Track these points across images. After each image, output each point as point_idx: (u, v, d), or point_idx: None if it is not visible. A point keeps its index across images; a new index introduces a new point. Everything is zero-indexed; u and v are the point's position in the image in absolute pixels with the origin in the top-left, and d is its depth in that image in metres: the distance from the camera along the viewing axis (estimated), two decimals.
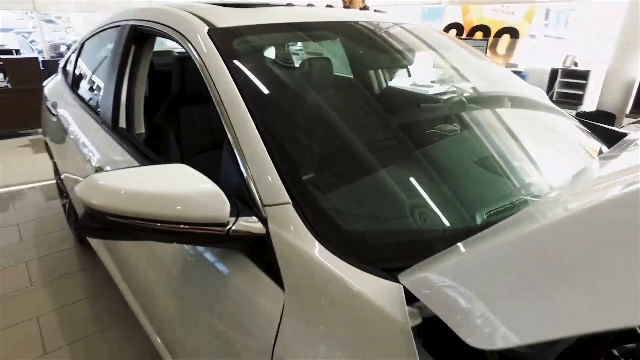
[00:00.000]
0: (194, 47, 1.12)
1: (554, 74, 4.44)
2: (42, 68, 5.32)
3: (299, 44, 1.42)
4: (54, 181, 3.19)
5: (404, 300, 0.59)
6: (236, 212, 0.78)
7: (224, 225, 0.75)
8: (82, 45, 2.27)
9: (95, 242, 1.99)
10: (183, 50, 1.18)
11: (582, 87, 4.30)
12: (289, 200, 0.77)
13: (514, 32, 7.02)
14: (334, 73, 1.33)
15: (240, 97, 0.95)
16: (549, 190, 0.98)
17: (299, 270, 0.71)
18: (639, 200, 0.42)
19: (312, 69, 1.31)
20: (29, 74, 4.93)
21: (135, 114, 1.57)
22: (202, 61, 1.07)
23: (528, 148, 1.16)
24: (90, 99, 1.94)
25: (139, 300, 1.44)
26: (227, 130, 0.92)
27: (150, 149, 1.36)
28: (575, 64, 4.48)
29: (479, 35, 7.72)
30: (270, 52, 1.25)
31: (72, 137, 1.92)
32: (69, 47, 3.67)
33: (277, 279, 0.74)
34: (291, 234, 0.74)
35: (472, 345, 0.49)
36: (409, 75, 1.60)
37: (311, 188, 0.84)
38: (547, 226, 0.51)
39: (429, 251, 0.65)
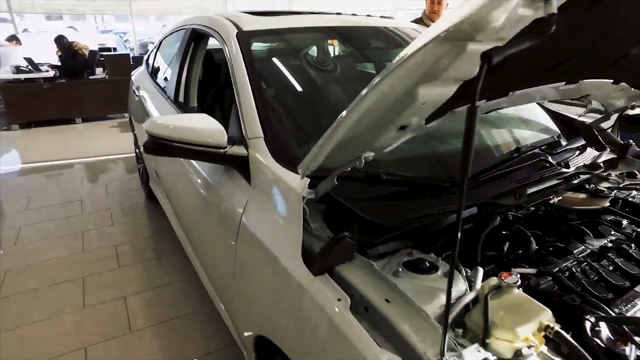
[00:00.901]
0: (226, 44, 1.66)
1: None
2: (131, 63, 6.34)
3: (295, 41, 1.91)
4: (134, 154, 3.99)
5: (306, 184, 1.04)
6: (232, 142, 1.29)
7: (223, 148, 1.27)
8: (160, 42, 2.96)
9: (159, 195, 2.65)
10: None
11: None
12: (261, 135, 1.27)
13: None
14: (313, 63, 1.80)
15: (247, 76, 1.47)
16: None
17: (260, 173, 1.21)
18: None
19: (296, 60, 1.81)
20: (121, 67, 5.93)
21: (190, 92, 2.16)
22: (229, 54, 1.60)
23: None
24: (162, 82, 2.60)
25: (182, 224, 2.03)
26: (235, 97, 1.44)
27: None
28: None
29: None
30: (272, 47, 1.77)
31: (147, 110, 2.59)
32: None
33: (249, 179, 1.24)
34: (260, 154, 1.23)
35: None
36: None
37: (274, 131, 1.32)
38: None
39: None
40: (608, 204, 1.35)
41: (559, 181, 1.37)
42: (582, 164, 1.48)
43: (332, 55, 2.03)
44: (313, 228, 1.04)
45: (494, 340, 0.78)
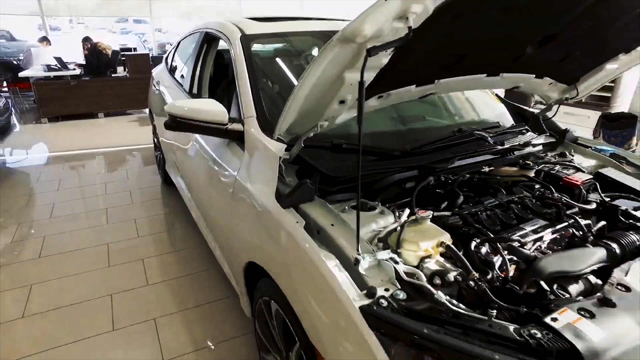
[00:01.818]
0: (232, 45, 2.03)
1: None
2: (150, 62, 6.80)
3: (287, 43, 2.27)
4: (152, 145, 4.41)
5: (282, 148, 1.39)
6: (232, 121, 1.66)
7: (225, 125, 1.63)
8: (179, 43, 3.36)
9: (178, 184, 3.04)
10: None
11: (610, 89, 4.57)
12: (254, 115, 1.64)
13: None
14: (301, 62, 2.16)
15: (246, 71, 1.83)
16: None
17: (252, 142, 1.57)
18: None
19: (286, 58, 2.17)
20: (141, 66, 6.39)
21: (202, 85, 2.54)
22: (234, 53, 1.97)
23: None
24: (179, 77, 3.00)
25: (192, 193, 2.41)
26: (236, 87, 1.81)
27: None
28: None
29: None
30: (268, 48, 2.14)
31: (166, 101, 2.98)
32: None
33: (243, 148, 1.61)
34: (252, 128, 1.60)
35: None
36: None
37: (263, 112, 1.68)
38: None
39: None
40: (533, 174, 1.68)
41: (494, 156, 1.70)
42: (517, 143, 1.80)
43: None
44: (287, 180, 1.40)
45: (404, 251, 1.13)
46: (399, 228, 1.21)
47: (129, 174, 4.14)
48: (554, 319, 0.92)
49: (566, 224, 1.33)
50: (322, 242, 1.18)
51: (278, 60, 2.14)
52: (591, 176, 1.64)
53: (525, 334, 0.88)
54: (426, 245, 1.13)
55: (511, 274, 1.13)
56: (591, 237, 1.28)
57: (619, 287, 1.05)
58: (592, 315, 0.93)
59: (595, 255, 1.18)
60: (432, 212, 1.25)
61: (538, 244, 1.27)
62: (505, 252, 1.15)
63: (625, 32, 1.48)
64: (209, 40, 2.55)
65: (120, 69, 6.79)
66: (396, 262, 1.07)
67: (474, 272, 1.07)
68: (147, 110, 5.42)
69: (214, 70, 2.69)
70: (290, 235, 1.19)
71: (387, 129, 1.80)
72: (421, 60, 1.16)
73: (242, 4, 9.28)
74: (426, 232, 1.18)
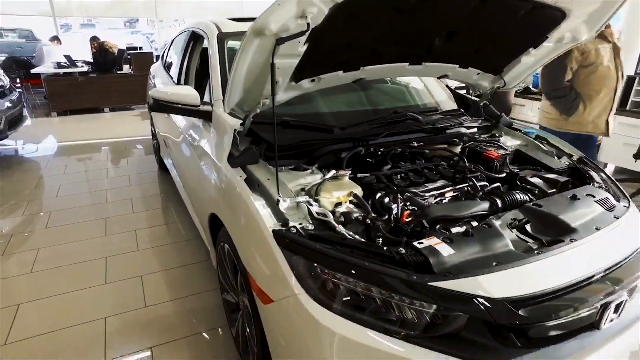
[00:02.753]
0: (209, 41, 2.36)
1: (630, 81, 4.04)
2: (154, 60, 7.18)
3: None
4: (150, 137, 4.77)
5: (238, 122, 1.71)
6: (204, 104, 1.99)
7: (197, 106, 1.96)
8: (172, 41, 3.71)
9: (169, 167, 3.38)
10: None
11: None
12: (221, 98, 1.96)
13: None
14: None
15: (218, 63, 2.16)
16: None
17: (217, 119, 1.90)
18: None
19: None
20: (145, 64, 6.75)
21: (189, 77, 2.88)
22: (210, 48, 2.30)
23: None
24: (170, 71, 3.34)
25: (178, 172, 2.75)
26: (210, 75, 2.14)
27: None
28: None
29: None
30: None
31: None
32: None
33: (209, 125, 1.94)
34: (219, 109, 1.93)
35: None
36: None
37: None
38: None
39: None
40: (458, 150, 1.98)
41: (427, 134, 2.00)
42: (449, 124, 2.10)
43: None
44: (240, 148, 1.72)
45: (321, 198, 1.45)
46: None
47: (130, 161, 4.50)
48: (420, 243, 1.23)
49: (465, 185, 1.63)
50: (262, 193, 1.50)
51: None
52: (507, 151, 1.94)
53: (393, 251, 1.19)
54: (338, 194, 1.45)
55: (408, 219, 1.43)
56: (481, 194, 1.59)
57: (484, 225, 1.35)
58: (451, 241, 1.23)
59: (479, 206, 1.49)
60: (350, 172, 1.56)
61: (439, 198, 1.58)
62: (403, 201, 1.46)
63: (524, 30, 1.78)
64: (195, 38, 2.89)
65: (126, 67, 7.20)
66: (311, 205, 1.38)
67: (372, 214, 1.39)
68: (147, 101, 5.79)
69: (200, 64, 3.03)
70: (234, 186, 1.52)
71: (335, 110, 2.12)
72: (338, 50, 1.48)
73: (243, 4, 9.65)
74: (341, 185, 1.50)
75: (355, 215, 1.39)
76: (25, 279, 2.41)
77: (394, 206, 1.45)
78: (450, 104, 2.45)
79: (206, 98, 2.17)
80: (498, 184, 1.69)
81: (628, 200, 1.67)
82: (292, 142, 1.71)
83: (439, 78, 2.12)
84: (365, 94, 2.33)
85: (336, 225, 1.31)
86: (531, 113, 5.16)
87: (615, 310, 1.24)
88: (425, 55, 1.78)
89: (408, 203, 1.48)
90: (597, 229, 1.37)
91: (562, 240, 1.30)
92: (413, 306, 1.12)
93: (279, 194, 1.38)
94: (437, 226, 1.40)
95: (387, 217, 1.41)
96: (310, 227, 1.31)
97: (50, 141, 5.38)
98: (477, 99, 2.46)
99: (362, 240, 1.27)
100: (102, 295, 2.26)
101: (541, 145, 2.11)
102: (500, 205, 1.52)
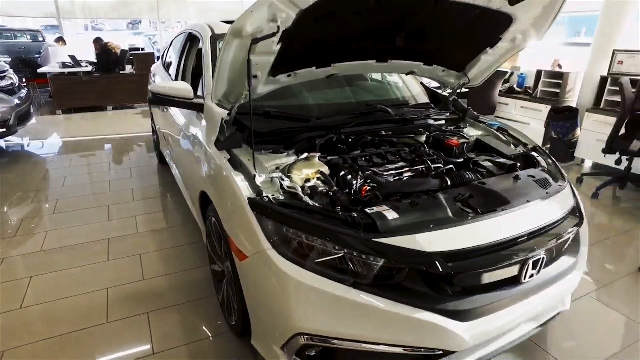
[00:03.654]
0: (203, 42, 2.61)
1: (538, 74, 5.28)
2: (155, 61, 7.44)
3: None
4: (151, 133, 5.02)
5: (225, 112, 1.95)
6: (197, 97, 2.23)
7: (190, 99, 2.21)
8: (171, 42, 3.96)
9: (167, 158, 3.63)
10: None
11: (559, 85, 5.07)
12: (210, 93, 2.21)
13: None
14: None
15: (210, 61, 2.40)
16: None
17: (207, 110, 2.14)
18: None
19: None
20: (146, 64, 7.01)
21: (186, 75, 3.12)
22: (204, 48, 2.55)
23: None
24: (169, 70, 3.59)
25: (174, 160, 3.00)
26: (203, 71, 2.39)
27: None
28: (560, 66, 5.19)
29: None
30: None
31: None
32: None
33: (202, 116, 2.18)
34: (209, 101, 2.17)
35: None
36: None
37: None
38: None
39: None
40: (423, 138, 2.22)
41: (395, 125, 2.23)
42: (416, 116, 2.34)
43: None
44: (226, 135, 1.96)
45: (292, 175, 1.68)
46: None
47: (131, 156, 4.76)
48: (371, 209, 1.46)
49: (421, 166, 1.87)
50: (242, 171, 1.73)
51: None
52: (468, 140, 2.18)
53: (347, 215, 1.43)
54: (307, 171, 1.69)
55: (367, 193, 1.67)
56: (434, 174, 1.83)
57: (430, 198, 1.59)
58: (397, 208, 1.47)
59: (429, 183, 1.73)
60: (319, 153, 1.80)
61: (397, 177, 1.81)
62: (364, 178, 1.70)
63: (479, 31, 2.02)
64: (191, 39, 3.13)
65: (128, 67, 7.46)
66: (283, 180, 1.62)
67: (335, 188, 1.63)
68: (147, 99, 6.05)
69: (196, 62, 3.28)
70: (219, 165, 1.76)
71: (316, 103, 2.36)
72: (309, 49, 1.72)
73: (244, 4, 9.95)
74: (311, 165, 1.74)
75: (320, 189, 1.63)
76: (36, 256, 2.65)
77: (354, 182, 1.69)
78: (424, 99, 2.69)
79: (199, 93, 2.42)
80: (451, 166, 1.92)
81: (566, 181, 1.91)
82: (272, 129, 1.95)
83: (406, 74, 2.36)
84: (350, 89, 2.58)
85: (303, 196, 1.55)
86: (514, 111, 5.41)
87: (534, 267, 1.48)
88: (390, 53, 2.02)
89: (368, 180, 1.72)
90: (528, 202, 1.60)
91: (495, 209, 1.54)
92: (362, 259, 1.35)
93: (255, 170, 1.62)
94: (391, 198, 1.64)
95: (348, 191, 1.65)
96: (281, 197, 1.55)
97: (56, 137, 5.64)
98: (447, 95, 2.70)
99: (324, 207, 1.51)
100: (105, 270, 2.50)
101: (501, 135, 2.35)
102: (449, 183, 1.76)
